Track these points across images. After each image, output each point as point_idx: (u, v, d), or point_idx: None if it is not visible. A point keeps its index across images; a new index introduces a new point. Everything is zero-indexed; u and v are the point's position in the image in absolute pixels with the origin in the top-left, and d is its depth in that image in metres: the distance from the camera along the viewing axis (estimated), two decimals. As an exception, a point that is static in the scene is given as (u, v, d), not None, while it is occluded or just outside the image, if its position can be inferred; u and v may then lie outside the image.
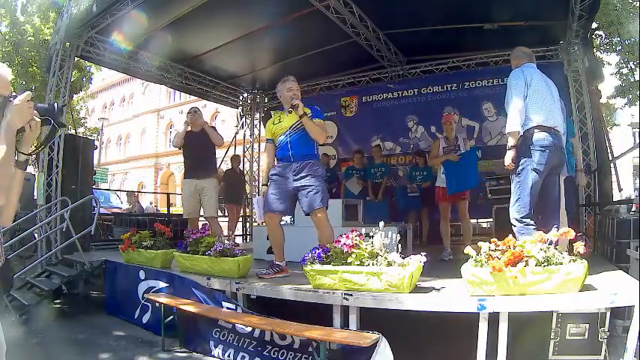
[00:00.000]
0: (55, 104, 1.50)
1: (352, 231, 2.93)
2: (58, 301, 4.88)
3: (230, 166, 7.97)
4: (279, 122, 3.64)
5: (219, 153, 6.42)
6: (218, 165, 7.20)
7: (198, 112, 5.14)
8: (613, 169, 6.70)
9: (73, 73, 8.39)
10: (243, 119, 9.73)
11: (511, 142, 3.10)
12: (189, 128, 5.00)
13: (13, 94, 1.37)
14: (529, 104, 3.08)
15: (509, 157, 3.10)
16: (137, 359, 3.19)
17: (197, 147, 4.94)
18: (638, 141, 18.62)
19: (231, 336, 3.20)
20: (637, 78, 9.98)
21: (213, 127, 5.32)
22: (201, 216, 5.26)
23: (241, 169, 8.60)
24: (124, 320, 4.16)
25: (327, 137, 3.60)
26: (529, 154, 3.05)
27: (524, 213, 3.04)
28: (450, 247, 5.08)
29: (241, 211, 8.57)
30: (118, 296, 4.50)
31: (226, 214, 7.55)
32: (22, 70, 10.71)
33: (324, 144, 8.24)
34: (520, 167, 3.09)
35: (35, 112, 1.40)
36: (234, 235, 7.90)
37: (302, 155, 3.52)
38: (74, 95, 12.76)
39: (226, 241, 3.73)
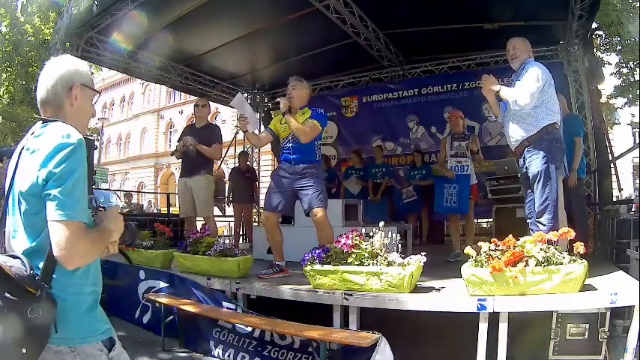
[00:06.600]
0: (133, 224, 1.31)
1: (352, 231, 2.93)
2: (58, 301, 4.87)
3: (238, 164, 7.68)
4: (285, 123, 3.65)
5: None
6: (218, 164, 7.08)
7: (207, 106, 4.93)
8: (613, 169, 6.69)
9: (73, 73, 8.36)
10: (244, 119, 9.68)
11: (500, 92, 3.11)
12: (186, 147, 4.57)
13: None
14: (554, 102, 3.07)
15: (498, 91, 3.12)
16: (137, 359, 3.19)
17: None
18: (638, 141, 18.61)
19: (232, 336, 3.20)
20: (637, 78, 9.99)
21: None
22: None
23: (249, 166, 8.17)
24: (124, 320, 4.15)
25: (318, 142, 3.61)
26: (552, 151, 2.97)
27: (555, 223, 2.86)
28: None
29: (252, 210, 8.04)
30: (118, 296, 4.48)
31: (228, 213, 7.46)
32: (22, 70, 10.70)
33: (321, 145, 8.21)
34: (542, 165, 2.96)
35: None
36: (238, 235, 7.78)
37: (303, 160, 3.57)
38: (74, 95, 12.73)
39: (226, 241, 3.73)
